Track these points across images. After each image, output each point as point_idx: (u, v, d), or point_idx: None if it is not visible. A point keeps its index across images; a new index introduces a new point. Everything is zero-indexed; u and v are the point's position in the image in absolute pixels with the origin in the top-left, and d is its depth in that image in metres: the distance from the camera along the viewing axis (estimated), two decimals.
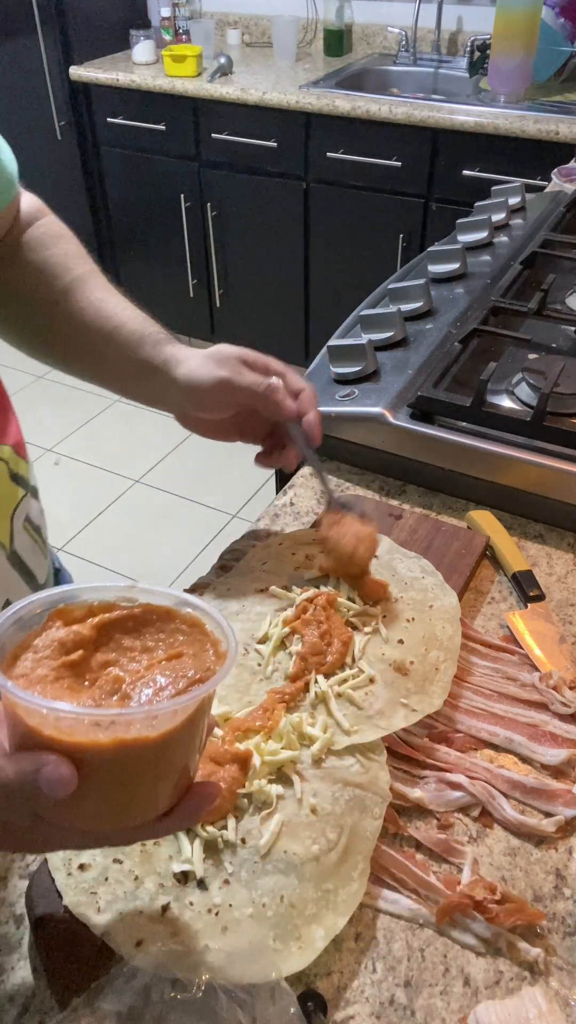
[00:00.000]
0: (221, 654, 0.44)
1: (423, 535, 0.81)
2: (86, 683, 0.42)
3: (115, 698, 0.42)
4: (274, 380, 0.68)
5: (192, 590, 0.75)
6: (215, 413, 0.71)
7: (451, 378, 0.93)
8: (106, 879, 0.52)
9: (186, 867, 0.52)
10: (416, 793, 0.59)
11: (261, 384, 0.68)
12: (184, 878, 0.52)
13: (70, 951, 0.50)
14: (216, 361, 0.68)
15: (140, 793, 0.42)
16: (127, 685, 0.42)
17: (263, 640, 0.67)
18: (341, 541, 0.68)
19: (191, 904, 0.51)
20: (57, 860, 0.53)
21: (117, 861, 0.52)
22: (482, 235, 1.27)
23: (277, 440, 0.74)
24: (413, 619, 0.68)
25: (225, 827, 0.54)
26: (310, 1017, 0.47)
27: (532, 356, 0.98)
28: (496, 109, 2.25)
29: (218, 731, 0.60)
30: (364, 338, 0.98)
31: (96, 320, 0.74)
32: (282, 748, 0.57)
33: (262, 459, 0.75)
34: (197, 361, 0.69)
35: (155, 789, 0.42)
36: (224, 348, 0.69)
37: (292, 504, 0.89)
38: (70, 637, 0.44)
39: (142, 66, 2.78)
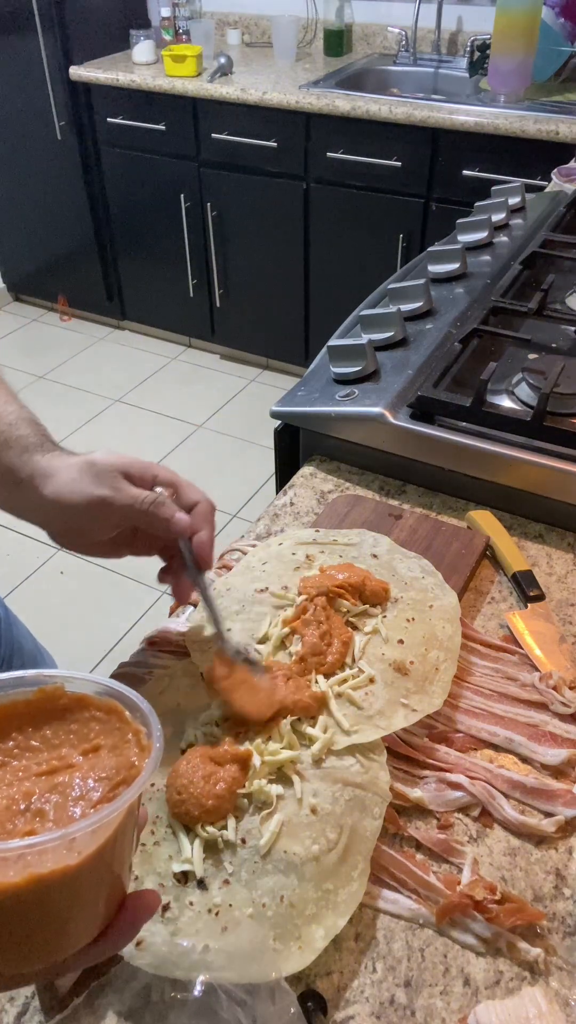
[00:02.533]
0: (145, 746, 0.39)
1: (423, 535, 0.81)
2: None
3: (21, 820, 0.36)
4: (160, 493, 0.59)
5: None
6: (93, 534, 0.61)
7: (451, 378, 0.93)
8: None
9: (186, 867, 0.52)
10: (416, 793, 0.59)
11: (143, 500, 0.58)
12: (184, 878, 0.52)
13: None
14: (91, 476, 0.58)
15: (67, 924, 0.37)
16: (37, 799, 0.37)
17: (263, 640, 0.67)
18: (232, 696, 0.60)
19: (191, 904, 0.51)
20: None
21: None
22: (482, 235, 1.27)
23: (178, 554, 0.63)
24: (413, 619, 0.68)
25: (225, 827, 0.54)
26: (310, 1017, 0.47)
27: (532, 356, 0.98)
28: (496, 109, 2.25)
29: (217, 731, 0.60)
30: (364, 338, 0.98)
31: None
32: (282, 748, 0.57)
33: (163, 576, 0.64)
34: (68, 476, 0.58)
35: (84, 915, 0.37)
36: (101, 459, 0.58)
37: (292, 504, 0.89)
38: None
39: (142, 66, 2.78)
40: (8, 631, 0.86)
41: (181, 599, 0.64)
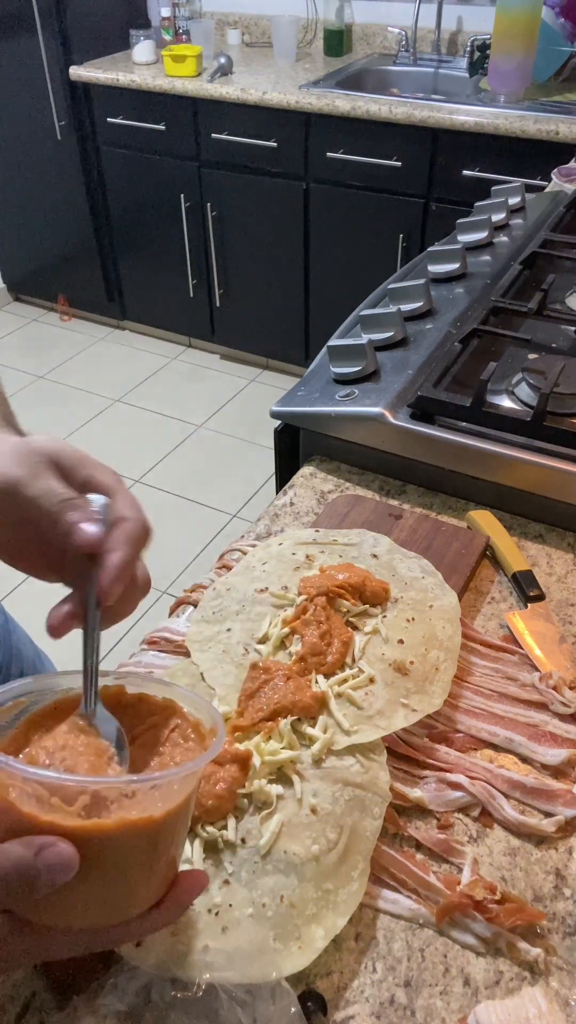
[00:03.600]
0: (205, 732, 0.42)
1: (423, 535, 0.81)
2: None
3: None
4: (80, 497, 0.47)
5: (192, 590, 0.75)
6: None
7: (451, 378, 0.93)
8: None
9: (186, 867, 0.52)
10: (416, 793, 0.59)
11: (54, 495, 0.46)
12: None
13: None
14: (14, 456, 0.47)
15: (138, 880, 0.39)
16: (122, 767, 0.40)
17: (263, 640, 0.67)
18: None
19: (191, 904, 0.51)
20: None
21: None
22: (482, 235, 1.27)
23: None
24: (413, 619, 0.68)
25: (225, 827, 0.54)
26: (310, 1017, 0.47)
27: (532, 356, 0.98)
28: (496, 109, 2.26)
29: None
30: (364, 338, 0.98)
31: None
32: (282, 748, 0.57)
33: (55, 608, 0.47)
34: None
35: (152, 875, 0.40)
36: (36, 442, 0.48)
37: (292, 504, 0.89)
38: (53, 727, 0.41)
39: (142, 66, 2.78)
40: (7, 637, 0.85)
41: (52, 629, 0.46)
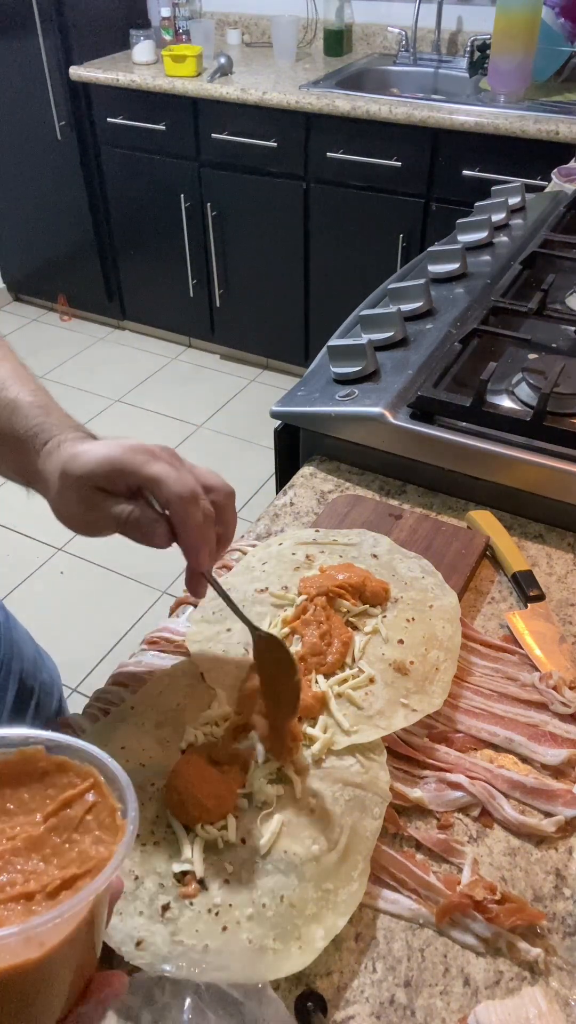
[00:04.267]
0: (119, 825, 0.37)
1: (423, 535, 0.81)
2: None
3: None
4: (133, 510, 0.54)
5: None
6: (101, 535, 0.57)
7: (451, 378, 0.93)
8: None
9: (186, 867, 0.52)
10: (416, 793, 0.59)
11: (121, 519, 0.54)
12: (184, 878, 0.52)
13: None
14: (70, 493, 0.54)
15: (30, 1010, 0.35)
16: (3, 876, 0.36)
17: None
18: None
19: (191, 904, 0.51)
20: None
21: None
22: (482, 235, 1.27)
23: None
24: (413, 619, 0.68)
25: (225, 827, 0.54)
26: (310, 1017, 0.47)
27: (532, 356, 0.98)
28: (496, 109, 2.25)
29: (217, 731, 0.60)
30: (364, 338, 0.98)
31: None
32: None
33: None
34: (54, 490, 0.56)
35: (48, 1001, 0.36)
36: (73, 470, 0.54)
37: (292, 504, 0.89)
38: None
39: (142, 66, 2.78)
40: (8, 634, 0.86)
41: (194, 592, 0.58)
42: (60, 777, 0.40)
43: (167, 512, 0.54)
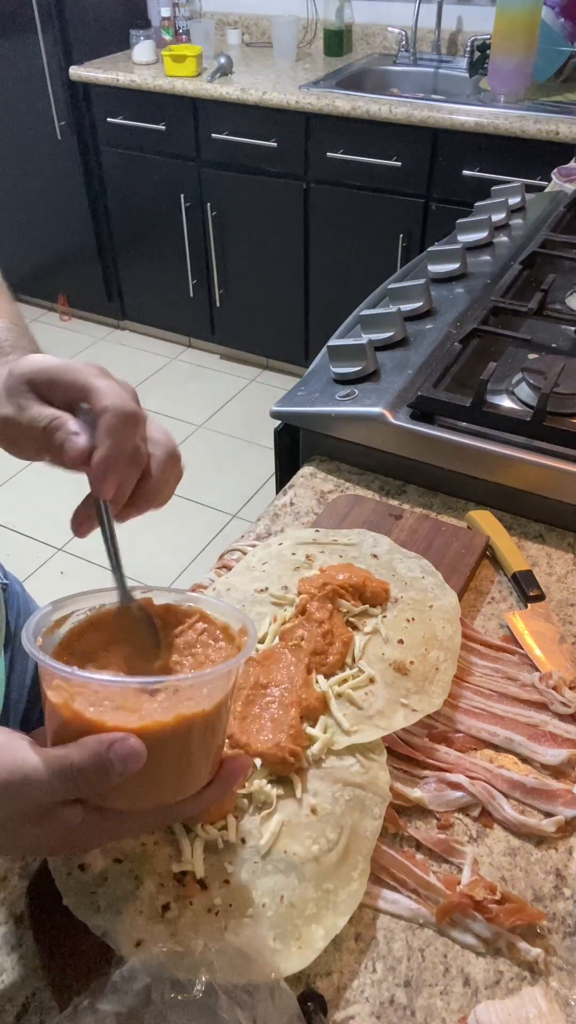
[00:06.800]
0: (237, 632, 0.46)
1: (423, 535, 0.81)
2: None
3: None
4: (61, 415, 0.49)
5: (192, 590, 0.75)
6: (15, 452, 0.53)
7: (451, 378, 0.93)
8: (106, 879, 0.52)
9: (186, 867, 0.52)
10: (416, 793, 0.59)
11: (40, 420, 0.48)
12: (184, 878, 0.52)
13: (70, 951, 0.50)
14: (6, 392, 0.50)
15: (193, 764, 0.44)
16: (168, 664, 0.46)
17: (263, 640, 0.67)
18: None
19: (191, 904, 0.51)
20: (57, 860, 0.53)
21: (117, 861, 0.52)
22: (482, 235, 1.27)
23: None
24: (413, 619, 0.68)
25: (225, 827, 0.54)
26: (310, 1017, 0.47)
27: (532, 356, 0.98)
28: (496, 109, 2.25)
29: None
30: (364, 338, 0.98)
31: None
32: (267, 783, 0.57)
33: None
34: None
35: (205, 759, 0.44)
36: (16, 368, 0.50)
37: (292, 504, 0.89)
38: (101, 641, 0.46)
39: (142, 66, 2.78)
40: (27, 607, 0.89)
41: (75, 529, 0.51)
42: (170, 617, 0.48)
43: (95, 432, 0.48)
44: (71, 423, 0.48)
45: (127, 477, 0.49)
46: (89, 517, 0.50)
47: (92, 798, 0.42)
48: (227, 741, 0.58)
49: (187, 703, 0.42)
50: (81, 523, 0.51)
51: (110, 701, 0.41)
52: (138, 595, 0.47)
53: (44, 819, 0.41)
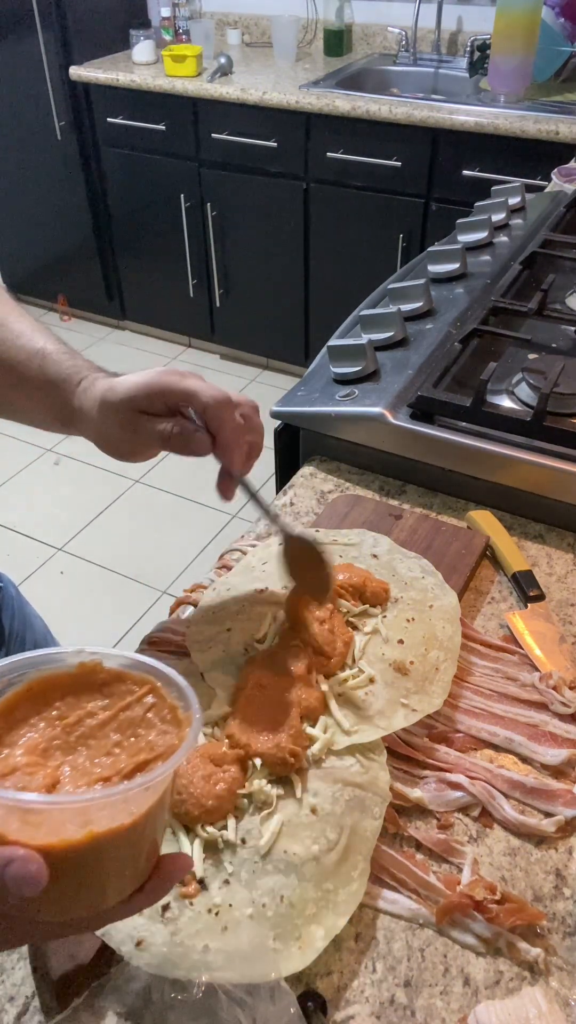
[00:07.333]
0: (182, 719, 0.41)
1: (423, 535, 0.81)
2: (38, 768, 0.39)
3: (80, 784, 0.39)
4: (175, 423, 0.58)
5: (192, 590, 0.75)
6: (146, 457, 0.62)
7: (451, 378, 0.93)
8: None
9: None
10: (416, 793, 0.59)
11: (164, 435, 0.58)
12: (184, 878, 0.52)
13: (70, 951, 0.50)
14: (112, 418, 0.59)
15: (113, 878, 0.39)
16: (86, 759, 0.40)
17: (262, 640, 0.67)
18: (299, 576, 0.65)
19: (191, 904, 0.51)
20: None
21: None
22: (482, 235, 1.27)
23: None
24: (413, 619, 0.68)
25: (225, 827, 0.54)
26: (310, 1017, 0.47)
27: (532, 356, 0.98)
28: (496, 109, 2.25)
29: (217, 731, 0.60)
30: (364, 338, 0.98)
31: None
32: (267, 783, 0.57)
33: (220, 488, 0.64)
34: (96, 419, 0.60)
35: (129, 870, 0.40)
36: (113, 397, 0.59)
37: (292, 504, 0.89)
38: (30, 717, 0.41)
39: (142, 66, 2.78)
40: (21, 608, 0.88)
41: (223, 495, 0.63)
42: (119, 686, 0.43)
43: (204, 423, 0.59)
44: (190, 426, 0.58)
45: (244, 445, 0.61)
46: (229, 487, 0.62)
47: None
48: (227, 742, 0.58)
49: (105, 817, 0.36)
50: (225, 491, 0.62)
51: (12, 809, 0.36)
52: (86, 657, 0.43)
53: None
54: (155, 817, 0.39)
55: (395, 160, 2.41)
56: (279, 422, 0.97)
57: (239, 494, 0.62)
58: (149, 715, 0.42)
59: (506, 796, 0.59)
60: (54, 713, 0.42)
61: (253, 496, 0.62)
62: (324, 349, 0.99)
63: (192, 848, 0.53)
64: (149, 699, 0.43)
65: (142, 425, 0.58)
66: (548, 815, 0.58)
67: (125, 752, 0.40)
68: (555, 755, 0.61)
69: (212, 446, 0.59)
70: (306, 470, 0.94)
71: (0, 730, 0.40)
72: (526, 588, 0.76)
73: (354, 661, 0.64)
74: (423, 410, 0.88)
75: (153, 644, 0.70)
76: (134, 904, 0.41)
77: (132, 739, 0.41)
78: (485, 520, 0.83)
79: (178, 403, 0.58)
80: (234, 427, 0.59)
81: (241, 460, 0.61)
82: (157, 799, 0.38)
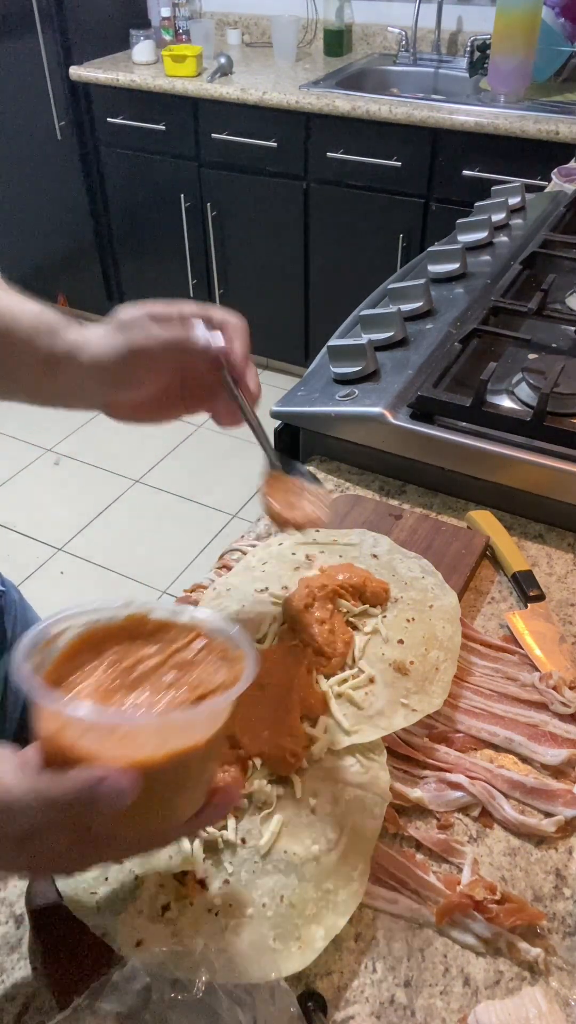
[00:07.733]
0: (234, 656, 0.45)
1: (423, 535, 0.81)
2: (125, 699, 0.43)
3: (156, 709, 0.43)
4: (190, 320, 0.58)
5: (192, 590, 0.75)
6: (141, 388, 0.60)
7: (451, 378, 0.93)
8: (106, 879, 0.52)
9: (186, 867, 0.52)
10: (416, 793, 0.59)
11: (174, 340, 0.57)
12: (184, 878, 0.52)
13: (70, 951, 0.50)
14: (120, 330, 0.58)
15: (183, 795, 0.43)
16: (148, 698, 0.44)
17: (262, 640, 0.67)
18: (281, 502, 0.64)
19: (191, 904, 0.51)
20: None
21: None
22: (482, 235, 1.27)
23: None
24: (413, 619, 0.68)
25: (225, 827, 0.54)
26: (310, 1017, 0.47)
27: (532, 356, 0.98)
28: (496, 109, 2.25)
29: None
30: (364, 338, 0.98)
31: None
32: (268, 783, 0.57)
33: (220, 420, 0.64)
34: (99, 338, 0.59)
35: (196, 789, 0.44)
36: (125, 313, 0.58)
37: None
38: (103, 659, 0.45)
39: (142, 66, 2.78)
40: (24, 614, 0.88)
41: (221, 421, 0.63)
42: (166, 634, 0.46)
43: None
44: (204, 326, 0.57)
45: (254, 368, 0.60)
46: (232, 412, 0.61)
47: (78, 826, 0.41)
48: (226, 741, 0.58)
49: (180, 737, 0.41)
50: (225, 417, 0.62)
51: (100, 731, 0.40)
52: (135, 609, 0.47)
53: (29, 843, 0.40)
54: (218, 743, 0.43)
55: (395, 160, 2.41)
56: (279, 422, 0.97)
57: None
58: (199, 656, 0.46)
59: (506, 796, 0.59)
60: (111, 659, 0.45)
61: (250, 420, 0.61)
62: (324, 349, 0.99)
63: (192, 848, 0.53)
64: (198, 644, 0.46)
65: (151, 329, 0.57)
66: (548, 815, 0.58)
67: (184, 689, 0.44)
68: (555, 755, 0.61)
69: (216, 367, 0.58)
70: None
71: (64, 673, 0.44)
72: (526, 588, 0.76)
73: (354, 661, 0.64)
74: (423, 410, 0.88)
75: None
76: (195, 823, 0.45)
77: (188, 677, 0.45)
78: (485, 520, 0.83)
79: (191, 317, 0.58)
80: (246, 343, 0.60)
81: (254, 378, 0.61)
82: (220, 727, 0.42)
